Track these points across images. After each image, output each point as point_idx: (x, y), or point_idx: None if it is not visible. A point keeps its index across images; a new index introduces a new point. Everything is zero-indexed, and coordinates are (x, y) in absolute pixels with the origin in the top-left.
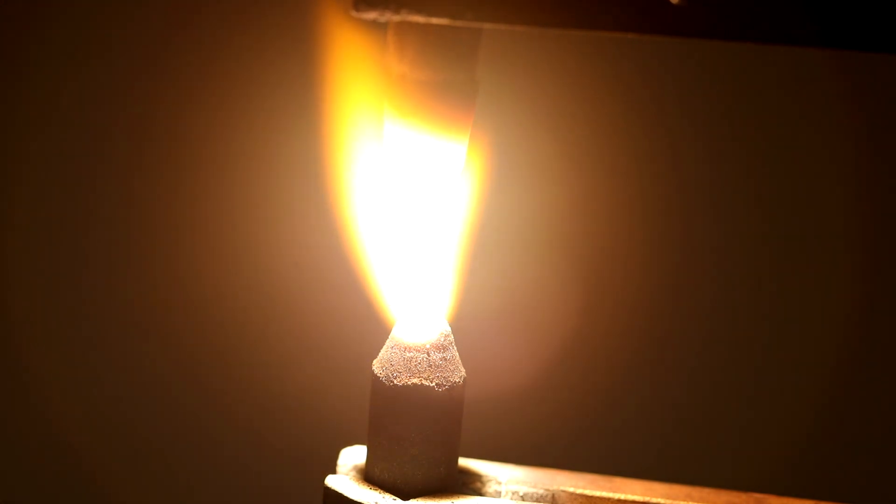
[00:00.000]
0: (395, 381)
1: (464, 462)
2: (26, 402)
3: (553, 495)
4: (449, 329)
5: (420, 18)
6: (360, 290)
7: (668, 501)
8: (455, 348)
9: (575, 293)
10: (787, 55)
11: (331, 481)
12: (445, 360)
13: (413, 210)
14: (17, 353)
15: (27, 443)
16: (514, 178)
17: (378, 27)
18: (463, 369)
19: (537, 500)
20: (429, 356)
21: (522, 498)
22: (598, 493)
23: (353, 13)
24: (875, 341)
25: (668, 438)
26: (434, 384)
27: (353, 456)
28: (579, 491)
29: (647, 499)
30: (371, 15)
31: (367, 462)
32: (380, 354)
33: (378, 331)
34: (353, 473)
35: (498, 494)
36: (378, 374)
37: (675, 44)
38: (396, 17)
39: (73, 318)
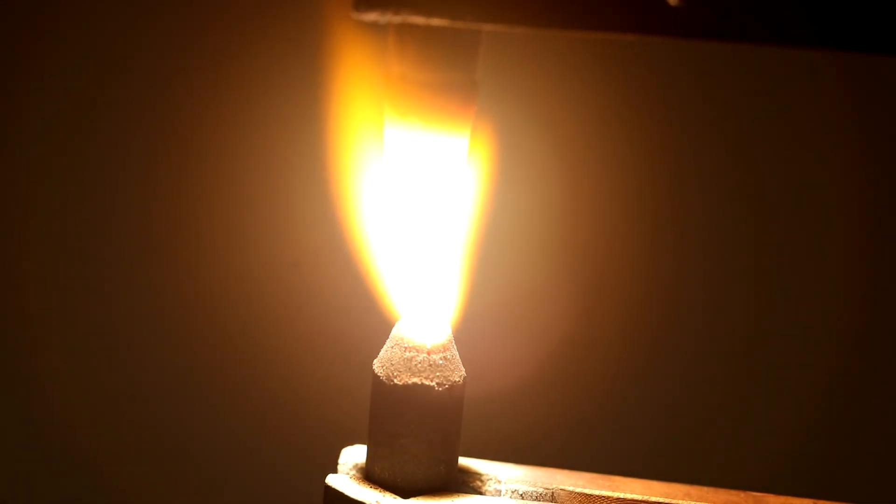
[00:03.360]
0: (396, 381)
1: (464, 461)
2: (30, 401)
3: (552, 494)
4: (449, 329)
5: (420, 19)
6: (361, 291)
7: (666, 500)
8: (455, 348)
9: (574, 293)
10: (786, 56)
11: (332, 480)
12: (445, 359)
13: (413, 211)
14: (25, 353)
15: (34, 440)
16: (513, 179)
17: (379, 28)
18: (463, 369)
19: (537, 499)
20: (429, 356)
21: (522, 496)
22: (597, 492)
23: (354, 14)
24: (873, 340)
25: (666, 437)
26: (434, 384)
27: (354, 455)
28: (578, 489)
29: (645, 497)
30: (371, 16)
31: (368, 461)
32: (380, 354)
33: (379, 330)
34: (354, 472)
35: (498, 493)
36: (378, 374)
37: (674, 45)
38: (397, 19)
39: (75, 318)
